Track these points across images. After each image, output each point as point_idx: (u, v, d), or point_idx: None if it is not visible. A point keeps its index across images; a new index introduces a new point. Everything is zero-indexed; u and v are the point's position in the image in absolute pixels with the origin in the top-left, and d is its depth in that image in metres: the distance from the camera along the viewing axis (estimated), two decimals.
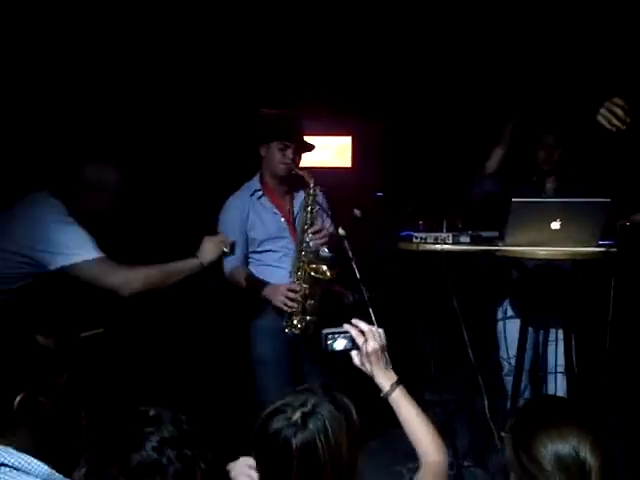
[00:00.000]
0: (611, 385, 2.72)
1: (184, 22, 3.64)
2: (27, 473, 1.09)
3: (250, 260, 2.70)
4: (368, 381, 1.56)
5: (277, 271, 2.65)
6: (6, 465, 1.08)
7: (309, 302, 2.48)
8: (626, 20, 3.37)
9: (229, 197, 2.72)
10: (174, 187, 3.73)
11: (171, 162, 3.73)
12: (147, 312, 3.02)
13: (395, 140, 4.25)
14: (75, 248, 2.06)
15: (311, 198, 2.57)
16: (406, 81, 4.17)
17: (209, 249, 2.30)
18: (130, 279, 2.11)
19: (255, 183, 2.72)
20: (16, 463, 1.09)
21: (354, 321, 1.55)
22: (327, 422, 1.19)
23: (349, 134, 4.38)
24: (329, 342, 1.58)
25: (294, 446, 1.16)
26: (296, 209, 2.74)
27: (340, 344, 1.57)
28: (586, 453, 1.13)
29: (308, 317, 2.49)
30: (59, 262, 2.06)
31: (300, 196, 2.74)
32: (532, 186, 3.01)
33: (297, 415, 1.19)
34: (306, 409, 1.20)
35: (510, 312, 3.03)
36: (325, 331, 1.58)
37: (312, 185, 2.56)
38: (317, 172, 4.22)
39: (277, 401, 1.23)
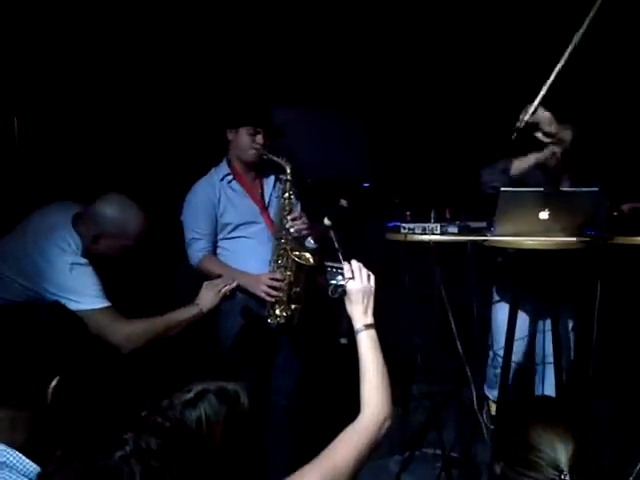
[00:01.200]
0: (599, 372, 2.72)
1: (180, 16, 3.59)
2: (20, 473, 1.08)
3: (219, 249, 2.58)
4: (345, 376, 1.55)
5: (250, 261, 2.53)
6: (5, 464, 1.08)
7: (294, 290, 2.43)
8: (624, 18, 3.36)
9: (196, 182, 2.61)
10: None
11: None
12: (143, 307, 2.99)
13: (381, 130, 4.22)
14: (83, 295, 2.03)
15: (288, 184, 2.50)
16: (392, 72, 4.14)
17: (209, 296, 2.20)
18: (130, 337, 2.07)
19: (224, 167, 2.62)
20: (9, 461, 1.08)
21: (352, 261, 1.59)
22: (208, 408, 1.10)
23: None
24: (327, 276, 1.64)
25: (188, 425, 1.07)
26: (267, 195, 2.66)
27: (336, 277, 1.63)
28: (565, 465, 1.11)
29: (293, 306, 2.44)
30: (68, 307, 2.02)
31: (270, 181, 2.67)
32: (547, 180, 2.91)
33: (190, 396, 1.10)
34: (200, 391, 1.11)
35: (496, 297, 3.01)
36: (326, 263, 1.65)
37: (288, 170, 2.49)
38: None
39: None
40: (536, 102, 2.54)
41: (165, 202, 2.82)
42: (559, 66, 2.50)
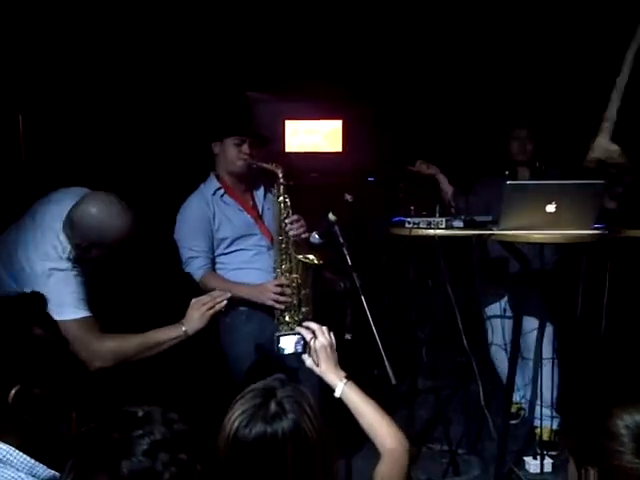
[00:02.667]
0: (606, 370, 2.70)
1: (170, 5, 3.57)
2: (10, 465, 1.06)
3: (218, 264, 2.53)
4: (350, 371, 1.56)
5: (250, 272, 2.50)
6: None
7: (303, 292, 2.39)
8: (600, 14, 3.35)
9: (187, 199, 2.55)
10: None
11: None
12: (139, 309, 2.98)
13: (386, 124, 4.19)
14: (57, 305, 1.86)
15: (282, 188, 2.44)
16: (396, 64, 4.11)
17: (195, 316, 2.01)
18: (98, 356, 1.96)
19: (213, 182, 2.56)
20: (3, 458, 1.05)
21: (305, 323, 1.58)
22: (300, 403, 1.16)
23: (339, 118, 4.30)
24: (280, 345, 1.62)
25: (284, 436, 1.12)
26: (259, 204, 2.63)
27: (290, 346, 1.62)
28: None
29: (303, 309, 2.40)
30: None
31: (260, 191, 2.64)
32: (505, 179, 2.95)
33: (272, 408, 1.14)
34: (277, 398, 1.16)
35: (509, 312, 3.00)
36: (277, 334, 1.62)
37: (280, 175, 2.43)
38: (307, 157, 4.21)
39: (230, 415, 1.16)
40: (602, 138, 2.45)
41: (157, 212, 2.80)
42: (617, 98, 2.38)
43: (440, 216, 2.65)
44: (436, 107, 4.13)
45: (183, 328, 2.01)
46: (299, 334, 1.60)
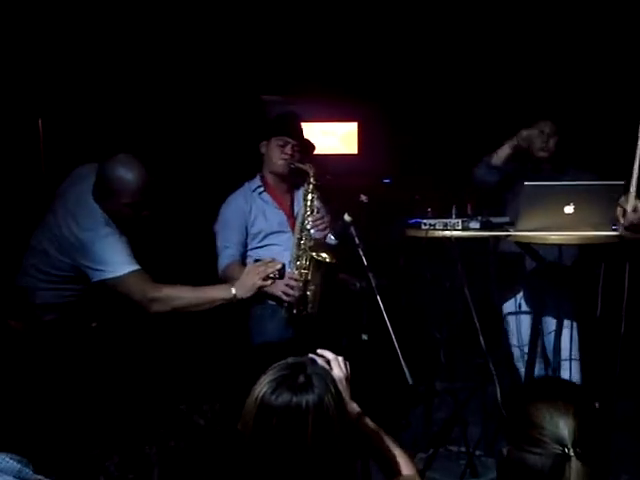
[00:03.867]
0: (626, 372, 2.67)
1: (186, 10, 3.61)
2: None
3: (249, 258, 2.64)
4: (366, 371, 1.54)
5: None
6: None
7: (310, 288, 2.45)
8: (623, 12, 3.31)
9: (231, 194, 2.71)
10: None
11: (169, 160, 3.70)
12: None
13: (402, 125, 4.19)
14: (110, 264, 2.09)
15: (311, 187, 2.55)
16: (412, 66, 4.11)
17: (248, 282, 2.11)
18: (158, 299, 2.09)
19: (256, 181, 2.72)
20: None
21: (319, 351, 1.50)
22: (326, 380, 1.22)
23: (355, 120, 4.31)
24: None
25: (307, 408, 1.16)
26: (296, 205, 2.72)
27: None
28: (568, 441, 1.15)
29: (309, 305, 2.45)
30: (97, 276, 2.13)
31: (301, 192, 2.71)
32: (527, 174, 2.92)
33: (300, 380, 1.20)
34: (306, 372, 1.21)
35: (524, 307, 2.97)
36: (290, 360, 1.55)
37: (311, 174, 2.54)
38: (323, 159, 4.23)
39: (259, 382, 1.22)
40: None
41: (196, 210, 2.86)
42: None
43: (456, 217, 2.64)
44: (452, 108, 4.12)
45: (233, 291, 2.10)
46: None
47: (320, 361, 1.47)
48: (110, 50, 3.41)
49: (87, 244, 2.11)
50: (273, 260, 2.17)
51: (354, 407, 1.49)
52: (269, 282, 2.13)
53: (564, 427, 1.16)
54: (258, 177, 2.73)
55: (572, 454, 1.13)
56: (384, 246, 3.44)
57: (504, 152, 2.89)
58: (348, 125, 4.35)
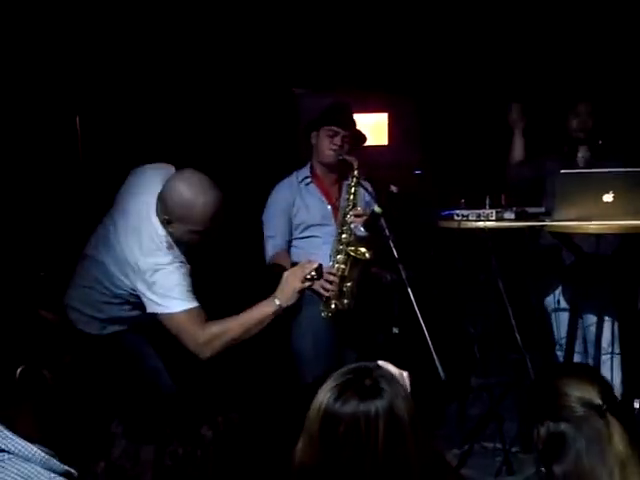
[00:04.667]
0: None
1: (218, 4, 3.62)
2: (25, 459, 1.05)
3: (292, 247, 2.69)
4: (398, 365, 1.48)
5: (315, 257, 2.49)
6: (4, 451, 1.04)
7: (346, 284, 2.42)
8: None
9: (276, 184, 2.74)
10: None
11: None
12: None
13: (432, 116, 4.12)
14: (166, 299, 1.96)
15: (354, 180, 2.54)
16: (443, 56, 4.03)
17: (289, 288, 2.00)
18: (207, 346, 1.97)
19: (305, 170, 2.74)
20: (13, 448, 1.04)
21: (381, 363, 1.40)
22: (394, 383, 1.14)
23: (385, 111, 4.25)
24: None
25: (376, 414, 1.09)
26: (343, 198, 2.70)
27: None
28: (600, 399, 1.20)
29: (345, 300, 2.43)
30: (150, 308, 2.01)
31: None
32: (563, 157, 2.86)
33: (367, 384, 1.12)
34: (372, 376, 1.14)
35: (563, 303, 2.89)
36: None
37: (355, 166, 2.52)
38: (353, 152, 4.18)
39: (321, 389, 1.15)
40: None
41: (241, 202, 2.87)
42: None
43: (490, 208, 2.58)
44: (485, 98, 4.03)
45: (277, 302, 1.99)
46: None
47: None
48: (145, 48, 3.43)
49: (146, 272, 1.97)
50: (309, 261, 2.10)
51: None
52: (308, 283, 2.04)
53: (590, 389, 1.20)
54: (308, 166, 2.74)
55: (604, 408, 1.16)
56: (415, 238, 3.39)
57: (517, 143, 2.89)
58: (378, 116, 4.28)
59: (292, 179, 2.73)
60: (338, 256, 2.48)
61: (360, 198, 2.63)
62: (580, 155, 2.86)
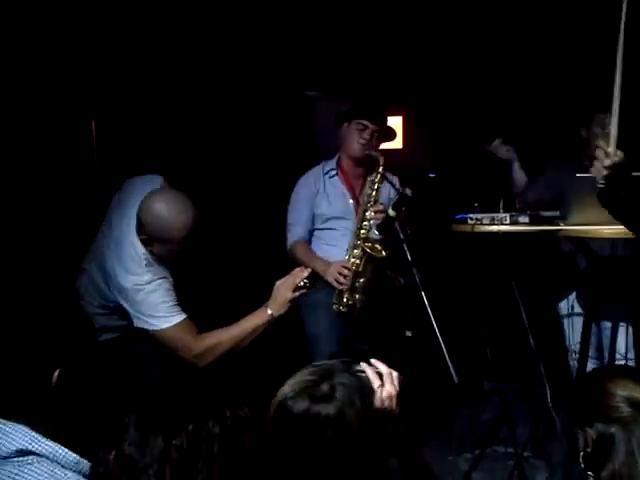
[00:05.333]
0: None
1: (231, 9, 3.64)
2: (56, 462, 1.05)
3: (313, 237, 2.73)
4: (410, 368, 1.47)
5: (332, 249, 2.66)
6: (34, 453, 1.04)
7: (359, 280, 2.44)
8: None
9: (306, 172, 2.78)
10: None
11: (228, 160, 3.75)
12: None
13: (447, 120, 4.12)
14: (152, 317, 1.98)
15: (379, 176, 2.54)
16: (458, 60, 4.03)
17: (280, 298, 2.00)
18: (200, 357, 1.98)
19: (332, 162, 2.76)
20: (44, 451, 1.04)
21: (374, 361, 1.39)
22: (352, 392, 1.14)
23: (400, 114, 4.25)
24: None
25: (326, 419, 1.10)
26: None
27: None
28: None
29: (357, 295, 2.45)
30: (138, 324, 2.02)
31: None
32: (578, 164, 2.78)
33: (323, 389, 1.13)
34: (331, 381, 1.14)
35: (577, 308, 2.87)
36: None
37: (381, 163, 2.54)
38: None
39: (287, 382, 1.17)
40: None
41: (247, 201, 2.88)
42: None
43: (504, 211, 2.57)
44: (499, 102, 4.02)
45: (269, 311, 1.99)
46: (363, 372, 1.41)
47: (370, 372, 1.36)
48: (160, 53, 3.46)
49: (128, 292, 1.99)
50: (301, 269, 2.08)
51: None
52: (300, 292, 2.02)
53: (637, 391, 1.21)
54: (335, 158, 2.75)
55: None
56: (429, 241, 3.39)
57: (515, 175, 2.85)
58: (393, 119, 4.27)
59: (318, 170, 2.75)
60: (354, 251, 2.50)
61: (384, 195, 2.62)
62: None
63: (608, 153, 1.80)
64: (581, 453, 1.26)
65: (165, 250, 2.00)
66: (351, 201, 2.70)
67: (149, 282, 1.99)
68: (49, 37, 3.01)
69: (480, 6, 3.78)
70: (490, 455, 2.90)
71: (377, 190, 2.54)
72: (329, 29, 3.90)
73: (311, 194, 2.69)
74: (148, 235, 1.98)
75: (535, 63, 3.86)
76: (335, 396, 1.12)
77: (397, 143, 4.26)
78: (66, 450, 1.06)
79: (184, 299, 2.08)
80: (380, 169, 2.54)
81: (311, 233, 2.72)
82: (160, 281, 2.01)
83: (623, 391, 1.21)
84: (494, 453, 2.92)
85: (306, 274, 2.01)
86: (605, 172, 1.80)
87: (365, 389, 1.19)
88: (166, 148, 3.54)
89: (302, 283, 2.00)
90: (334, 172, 2.71)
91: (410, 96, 4.18)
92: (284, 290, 2.00)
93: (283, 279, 2.03)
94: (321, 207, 2.68)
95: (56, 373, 1.13)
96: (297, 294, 2.00)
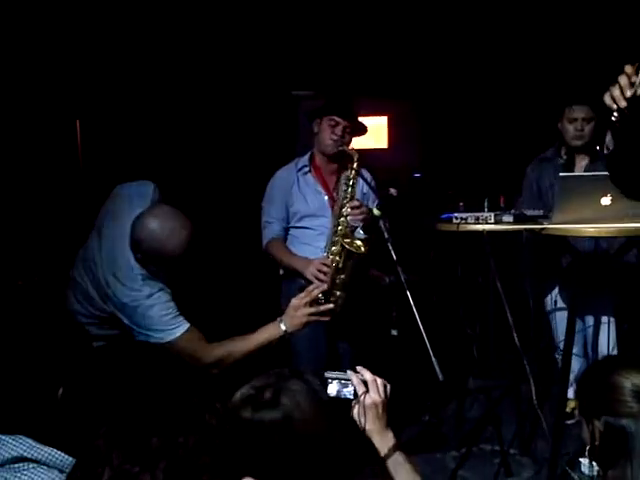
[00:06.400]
0: None
1: (219, 9, 3.63)
2: (54, 467, 1.04)
3: (288, 235, 2.71)
4: (396, 367, 1.46)
5: (307, 248, 2.63)
6: (27, 459, 1.03)
7: (339, 276, 2.42)
8: None
9: (279, 169, 2.76)
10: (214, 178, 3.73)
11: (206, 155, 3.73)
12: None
13: (432, 119, 4.13)
14: (155, 332, 1.96)
15: (353, 172, 2.53)
16: (442, 60, 4.05)
17: (297, 321, 1.98)
18: (211, 366, 1.97)
19: (305, 159, 2.74)
20: (38, 456, 1.04)
21: (359, 368, 1.39)
22: (298, 396, 1.12)
23: (385, 114, 4.26)
24: (328, 387, 1.40)
25: (271, 425, 1.09)
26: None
27: (338, 390, 1.39)
28: None
29: (337, 292, 2.42)
30: (141, 339, 2.00)
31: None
32: (561, 167, 2.81)
33: (267, 395, 1.12)
34: (276, 387, 1.13)
35: (560, 303, 2.89)
36: (326, 374, 1.42)
37: (355, 159, 2.52)
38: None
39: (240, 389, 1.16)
40: None
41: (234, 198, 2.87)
42: None
43: (489, 211, 2.59)
44: (484, 101, 4.05)
45: (283, 327, 1.98)
46: (349, 380, 1.40)
47: (355, 380, 1.36)
48: (145, 52, 3.44)
49: (128, 308, 1.97)
50: (316, 287, 2.09)
51: (389, 440, 1.35)
52: (316, 310, 2.01)
53: None
54: (308, 155, 2.74)
55: None
56: (414, 241, 3.40)
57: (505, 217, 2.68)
58: (378, 119, 4.30)
59: (291, 166, 2.74)
60: (332, 248, 2.47)
61: (358, 190, 2.62)
62: (579, 164, 2.80)
63: (634, 82, 1.49)
64: (587, 446, 1.25)
65: (161, 268, 2.00)
66: (325, 198, 2.68)
67: (148, 296, 1.97)
68: (34, 38, 2.99)
69: (468, 8, 3.81)
70: (476, 453, 2.91)
71: (352, 186, 2.52)
72: (318, 30, 3.91)
73: (286, 191, 2.67)
74: (143, 254, 1.97)
75: (520, 67, 3.89)
76: (280, 401, 1.11)
77: (382, 143, 4.29)
78: (63, 455, 1.05)
79: (182, 305, 2.06)
80: (355, 165, 2.52)
81: (286, 231, 2.70)
82: (159, 294, 1.99)
83: (631, 384, 1.19)
84: (480, 451, 2.93)
85: (321, 289, 2.05)
86: (624, 103, 1.49)
87: (315, 393, 1.16)
88: (151, 148, 3.52)
89: (319, 300, 2.02)
90: (307, 169, 2.70)
91: (396, 96, 4.19)
92: (302, 308, 2.00)
93: (299, 297, 2.02)
94: (295, 205, 2.67)
95: (60, 390, 1.12)
96: (313, 310, 2.00)
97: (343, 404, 1.35)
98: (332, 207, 2.65)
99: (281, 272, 2.70)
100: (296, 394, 1.12)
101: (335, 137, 2.60)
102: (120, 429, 0.93)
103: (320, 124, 2.66)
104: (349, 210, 2.48)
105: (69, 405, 1.13)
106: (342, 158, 2.65)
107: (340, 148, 2.60)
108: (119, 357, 2.12)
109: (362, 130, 2.78)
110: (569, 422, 2.98)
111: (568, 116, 2.80)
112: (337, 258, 2.42)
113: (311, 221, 2.66)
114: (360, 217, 2.47)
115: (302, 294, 2.05)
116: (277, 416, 1.09)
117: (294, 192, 2.67)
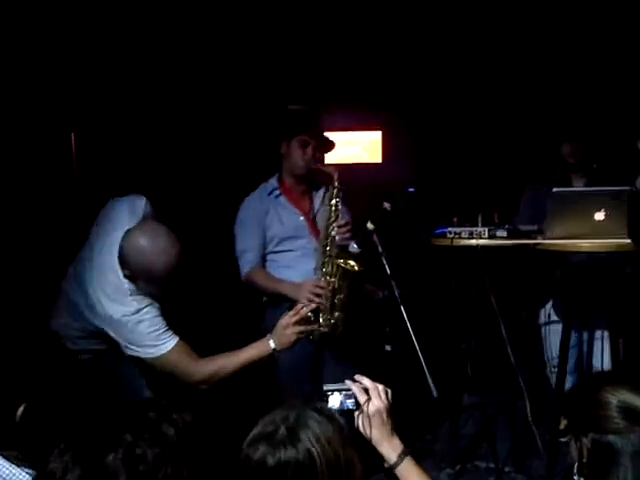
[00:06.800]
0: None
1: (209, 18, 3.65)
2: None
3: (267, 261, 2.63)
4: (390, 383, 1.43)
5: (295, 272, 2.56)
6: None
7: (338, 297, 2.39)
8: None
9: (246, 197, 2.67)
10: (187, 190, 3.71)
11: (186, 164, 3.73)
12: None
13: (426, 134, 4.15)
14: (144, 347, 1.96)
15: (335, 192, 2.48)
16: (436, 74, 4.08)
17: (285, 340, 1.98)
18: (201, 382, 1.97)
19: (272, 183, 2.68)
20: (4, 475, 1.03)
21: (357, 377, 1.37)
22: (316, 429, 1.07)
23: (379, 129, 4.28)
24: (329, 399, 1.38)
25: (286, 464, 1.04)
26: (316, 207, 2.67)
27: (340, 401, 1.37)
28: None
29: (336, 314, 2.39)
30: (130, 353, 2.00)
31: (320, 194, 2.67)
32: (556, 185, 2.83)
33: (281, 431, 1.07)
34: (289, 423, 1.08)
35: (554, 317, 2.88)
36: (325, 387, 1.40)
37: (336, 178, 2.48)
38: (347, 168, 4.21)
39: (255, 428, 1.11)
40: None
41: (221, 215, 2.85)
42: None
43: (483, 225, 2.58)
44: (478, 116, 4.07)
45: (272, 345, 1.98)
46: (350, 389, 1.38)
47: (356, 389, 1.34)
48: (140, 64, 3.45)
49: (117, 323, 1.96)
50: (304, 305, 2.10)
51: (397, 446, 1.32)
52: (304, 328, 2.03)
53: (633, 397, 1.17)
54: (274, 178, 2.68)
55: None
56: (408, 255, 3.39)
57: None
58: (372, 134, 4.32)
59: (261, 191, 2.66)
60: (324, 269, 2.43)
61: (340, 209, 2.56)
62: (575, 182, 2.80)
63: None
64: (575, 463, 1.23)
65: (149, 286, 1.99)
66: (301, 218, 2.63)
67: (136, 312, 1.96)
68: (29, 49, 2.99)
69: (463, 23, 3.84)
70: (471, 470, 2.89)
71: (336, 204, 2.46)
72: (312, 45, 3.93)
73: (260, 217, 2.59)
74: (132, 272, 1.96)
75: (513, 83, 3.92)
76: (297, 437, 1.06)
77: (377, 157, 4.30)
78: (25, 473, 1.04)
79: (171, 319, 2.05)
80: (336, 183, 2.46)
81: (264, 258, 2.62)
82: (147, 309, 1.98)
83: (617, 400, 1.18)
84: (475, 468, 2.90)
85: (309, 309, 2.04)
86: None
87: (332, 421, 1.12)
88: (145, 161, 3.51)
89: (307, 317, 2.02)
90: (278, 192, 2.64)
91: (390, 110, 4.21)
92: (290, 327, 2.00)
93: (288, 315, 2.02)
94: (272, 228, 2.60)
95: (21, 408, 1.10)
96: (302, 328, 2.00)
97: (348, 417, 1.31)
98: (310, 228, 2.62)
99: (264, 299, 2.63)
100: (312, 427, 1.08)
101: (307, 157, 2.55)
102: (77, 445, 0.90)
103: (289, 145, 2.60)
104: (336, 229, 2.43)
105: (30, 422, 1.10)
106: (312, 177, 2.61)
107: (315, 167, 2.55)
108: (91, 372, 2.11)
109: (329, 145, 2.74)
110: (563, 439, 2.95)
111: (565, 135, 2.82)
112: (332, 279, 2.39)
113: (291, 243, 2.60)
114: (347, 235, 2.44)
115: (291, 312, 2.03)
116: (295, 455, 1.05)
117: (269, 217, 2.60)
